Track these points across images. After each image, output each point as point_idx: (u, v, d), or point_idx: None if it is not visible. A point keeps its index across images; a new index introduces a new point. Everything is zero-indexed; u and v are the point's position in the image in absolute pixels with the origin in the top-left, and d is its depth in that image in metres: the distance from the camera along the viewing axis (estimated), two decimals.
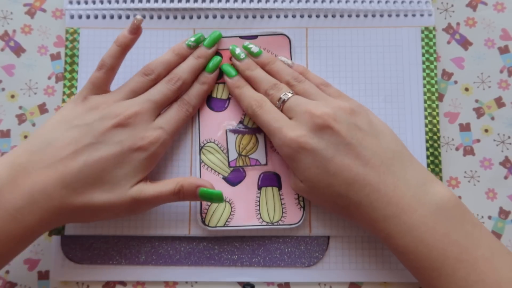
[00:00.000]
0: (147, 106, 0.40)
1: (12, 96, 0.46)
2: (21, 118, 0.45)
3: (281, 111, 0.40)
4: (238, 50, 0.43)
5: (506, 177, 0.44)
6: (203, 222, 0.42)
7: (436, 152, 0.44)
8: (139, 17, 0.40)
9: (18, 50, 0.46)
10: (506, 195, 0.44)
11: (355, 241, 0.43)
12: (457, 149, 0.45)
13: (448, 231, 0.35)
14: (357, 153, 0.37)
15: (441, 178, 0.43)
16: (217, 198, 0.39)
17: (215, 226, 0.42)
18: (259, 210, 0.42)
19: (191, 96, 0.42)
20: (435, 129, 0.44)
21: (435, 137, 0.44)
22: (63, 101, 0.45)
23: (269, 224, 0.42)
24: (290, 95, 0.40)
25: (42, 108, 0.45)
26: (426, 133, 0.44)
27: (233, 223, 0.42)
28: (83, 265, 0.42)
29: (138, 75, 0.41)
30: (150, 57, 0.45)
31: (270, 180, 0.43)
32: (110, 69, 0.40)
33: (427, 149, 0.44)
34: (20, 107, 0.45)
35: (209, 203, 0.42)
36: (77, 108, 0.40)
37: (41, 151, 0.37)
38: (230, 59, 0.44)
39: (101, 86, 0.41)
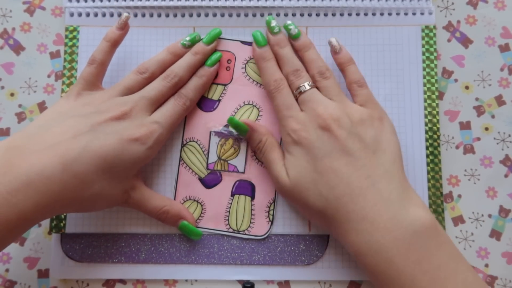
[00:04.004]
0: (142, 103, 0.40)
1: (12, 94, 0.46)
2: (20, 116, 0.45)
3: (297, 99, 0.41)
4: (274, 23, 0.43)
5: (506, 176, 0.44)
6: None
7: (436, 151, 0.44)
8: (126, 14, 0.42)
9: (17, 48, 0.46)
10: (506, 194, 0.44)
11: None
12: (457, 147, 0.45)
13: (420, 259, 0.34)
14: (348, 161, 0.38)
15: (441, 177, 0.43)
16: (195, 236, 0.42)
17: None
18: (228, 216, 0.43)
19: (188, 89, 0.42)
20: (435, 127, 0.44)
21: (435, 135, 0.44)
22: None
23: (235, 231, 0.42)
24: (308, 87, 0.41)
25: (42, 106, 0.45)
26: (426, 132, 0.44)
27: (201, 225, 0.43)
28: (83, 263, 0.42)
29: (133, 73, 0.42)
30: (150, 55, 0.44)
31: (244, 188, 0.43)
32: (100, 64, 0.41)
33: (427, 147, 0.44)
34: (20, 105, 0.45)
35: (183, 200, 0.43)
36: (71, 102, 0.40)
37: (39, 135, 0.37)
38: (228, 61, 0.44)
39: (92, 81, 0.41)
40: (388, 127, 0.40)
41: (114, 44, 0.42)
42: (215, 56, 0.43)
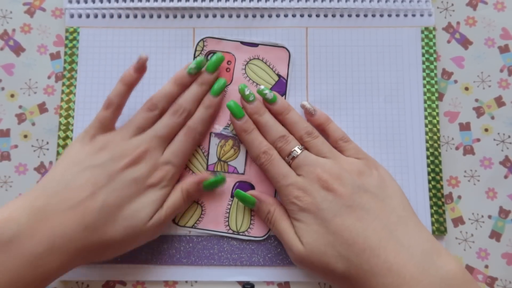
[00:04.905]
0: (154, 142, 0.40)
1: (12, 96, 0.46)
2: (20, 118, 0.45)
3: (290, 165, 0.40)
4: (247, 91, 0.42)
5: (506, 177, 0.44)
6: (173, 219, 0.43)
7: (436, 152, 0.44)
8: (144, 55, 0.41)
9: (17, 49, 0.46)
10: (506, 195, 0.44)
11: None
12: (457, 148, 0.45)
13: None
14: (359, 215, 0.37)
15: (441, 178, 0.43)
16: (221, 183, 0.42)
17: (184, 226, 0.43)
18: (228, 217, 0.43)
19: (196, 123, 0.42)
20: (435, 129, 0.44)
21: (435, 137, 0.44)
22: (62, 100, 0.44)
23: (235, 233, 0.42)
24: (299, 151, 0.40)
25: (42, 108, 0.45)
26: (426, 133, 0.44)
27: (201, 226, 0.43)
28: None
29: (143, 110, 0.41)
30: (150, 56, 0.45)
31: (244, 189, 0.43)
32: (116, 108, 0.41)
33: (427, 148, 0.44)
34: (20, 107, 0.45)
35: None
36: (85, 148, 0.40)
37: (58, 193, 0.37)
38: (228, 62, 0.44)
39: (108, 125, 0.41)
40: (385, 173, 0.40)
41: (131, 86, 0.41)
42: (219, 85, 0.43)
